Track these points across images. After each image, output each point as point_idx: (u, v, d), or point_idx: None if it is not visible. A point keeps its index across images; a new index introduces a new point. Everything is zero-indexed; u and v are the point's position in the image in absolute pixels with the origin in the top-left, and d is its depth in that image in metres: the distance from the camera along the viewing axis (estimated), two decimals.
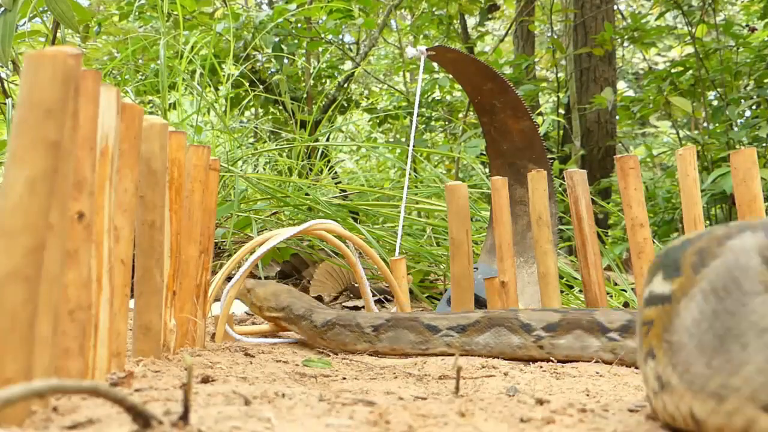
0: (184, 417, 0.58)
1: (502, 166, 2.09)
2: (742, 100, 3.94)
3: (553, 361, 1.33)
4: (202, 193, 1.24)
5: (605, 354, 1.30)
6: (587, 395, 1.02)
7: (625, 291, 2.29)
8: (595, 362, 1.31)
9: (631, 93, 5.66)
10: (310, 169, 3.39)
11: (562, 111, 4.84)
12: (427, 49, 2.00)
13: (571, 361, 1.32)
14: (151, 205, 1.04)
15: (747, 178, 1.34)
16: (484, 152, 2.64)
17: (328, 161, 4.01)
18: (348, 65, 5.15)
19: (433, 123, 5.09)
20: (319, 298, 2.18)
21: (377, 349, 1.41)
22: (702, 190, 3.06)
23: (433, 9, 4.78)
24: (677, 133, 4.61)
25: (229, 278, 1.56)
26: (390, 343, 1.40)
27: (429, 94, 4.72)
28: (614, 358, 1.29)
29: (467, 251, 1.58)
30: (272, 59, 4.32)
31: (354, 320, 1.42)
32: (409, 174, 2.07)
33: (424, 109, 4.74)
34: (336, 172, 4.05)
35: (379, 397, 0.87)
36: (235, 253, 1.72)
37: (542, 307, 1.57)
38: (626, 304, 2.27)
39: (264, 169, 3.51)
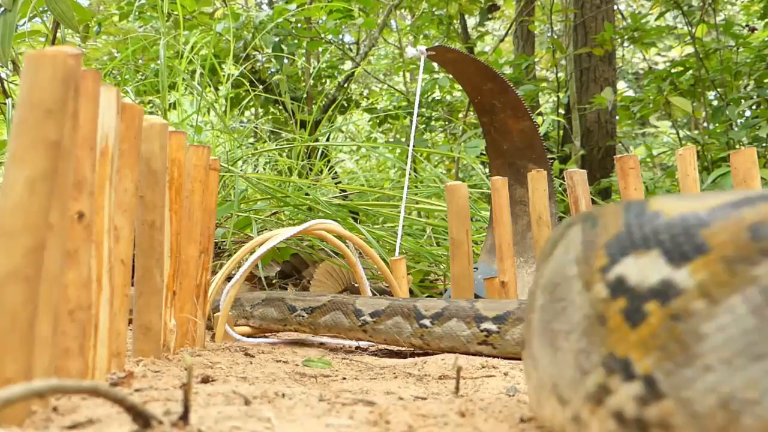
0: (184, 417, 0.58)
1: (502, 166, 2.08)
2: (742, 100, 3.94)
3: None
4: (202, 193, 1.24)
5: (415, 339, 1.41)
6: None
7: None
8: (408, 347, 1.44)
9: (631, 93, 5.66)
10: (310, 169, 3.39)
11: (562, 111, 4.84)
12: (427, 49, 2.00)
13: (388, 348, 1.43)
14: (151, 205, 1.04)
15: (747, 178, 1.34)
16: (485, 152, 2.64)
17: (328, 161, 4.01)
18: (348, 65, 5.15)
19: (433, 123, 5.08)
20: None
21: (250, 323, 1.59)
22: (702, 190, 3.06)
23: (433, 9, 4.77)
24: (677, 133, 4.61)
25: (229, 278, 1.56)
26: (260, 319, 1.57)
27: (429, 94, 4.71)
28: (423, 343, 1.40)
29: (467, 251, 1.58)
30: (272, 59, 4.32)
31: (240, 300, 1.61)
32: (409, 174, 2.07)
33: (424, 109, 4.74)
34: (336, 172, 4.05)
35: (379, 397, 0.87)
36: (235, 253, 1.72)
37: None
38: None
39: (264, 169, 3.51)
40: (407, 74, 5.40)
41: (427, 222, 2.73)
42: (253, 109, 4.97)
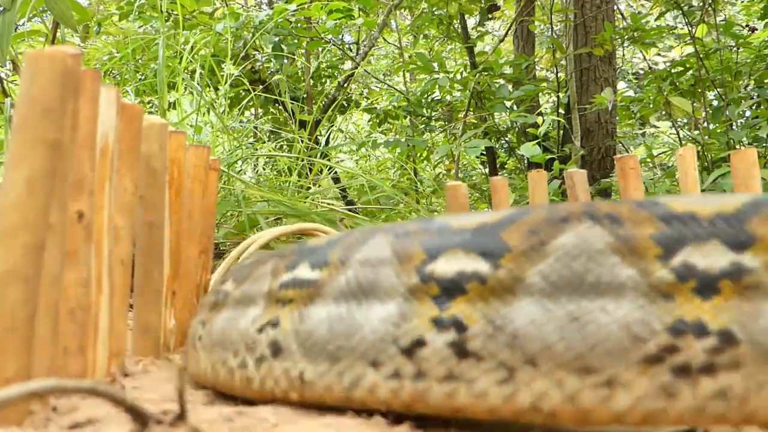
0: (182, 416, 0.58)
1: None
2: (742, 100, 3.93)
3: None
4: (202, 193, 1.23)
5: None
6: None
7: None
8: None
9: (631, 93, 5.65)
10: (310, 169, 3.39)
11: (562, 111, 4.83)
12: None
13: None
14: (151, 205, 1.04)
15: (747, 178, 1.34)
16: (484, 152, 2.64)
17: (328, 161, 4.01)
18: (348, 65, 5.15)
19: (433, 123, 5.08)
20: None
21: None
22: (702, 190, 3.06)
23: (433, 9, 4.77)
24: (677, 133, 4.61)
25: None
26: None
27: (429, 94, 4.71)
28: None
29: None
30: (272, 59, 4.32)
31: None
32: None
33: (424, 109, 4.73)
34: (336, 172, 4.05)
35: None
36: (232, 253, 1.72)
37: None
38: None
39: (264, 169, 3.51)
40: (407, 74, 5.39)
41: None
42: (252, 109, 4.97)
